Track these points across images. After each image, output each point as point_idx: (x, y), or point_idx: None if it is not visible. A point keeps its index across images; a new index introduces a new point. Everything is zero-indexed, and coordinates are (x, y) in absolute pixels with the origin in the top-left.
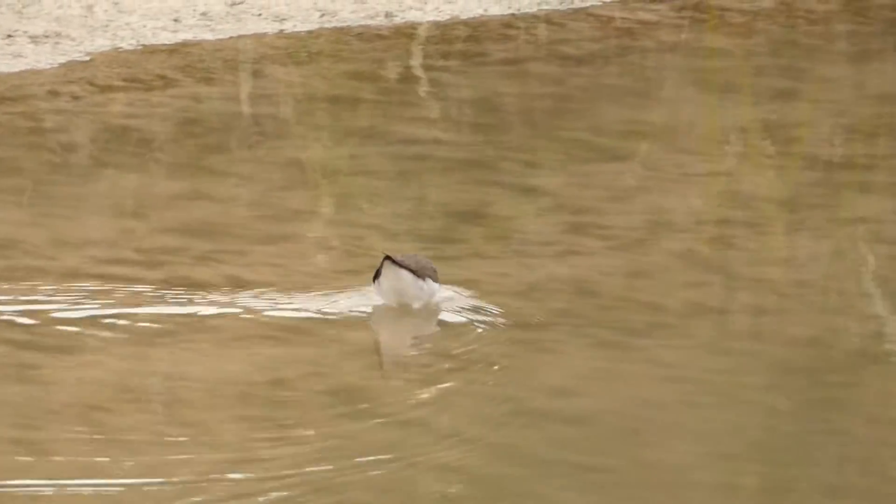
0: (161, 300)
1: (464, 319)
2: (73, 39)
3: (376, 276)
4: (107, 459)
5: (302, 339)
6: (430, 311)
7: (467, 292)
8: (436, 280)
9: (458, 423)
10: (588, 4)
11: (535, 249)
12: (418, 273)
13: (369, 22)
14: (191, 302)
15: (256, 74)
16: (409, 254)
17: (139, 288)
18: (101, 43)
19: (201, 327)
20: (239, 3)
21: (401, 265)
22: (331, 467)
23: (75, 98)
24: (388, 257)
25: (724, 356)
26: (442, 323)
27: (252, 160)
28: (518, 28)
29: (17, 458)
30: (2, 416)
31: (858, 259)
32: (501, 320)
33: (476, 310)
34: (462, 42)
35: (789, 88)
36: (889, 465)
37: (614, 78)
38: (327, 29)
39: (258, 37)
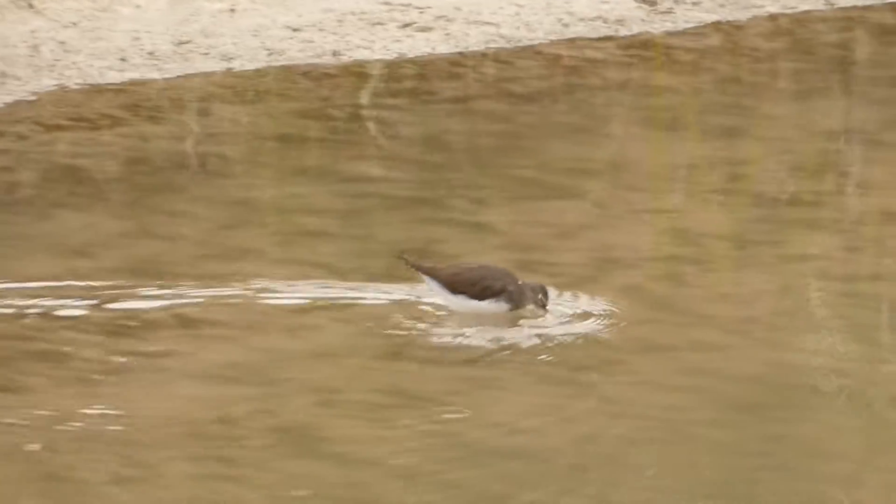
0: (107, 338)
1: (411, 356)
2: (18, 79)
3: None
4: (51, 501)
5: (250, 378)
6: (385, 347)
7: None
8: (479, 295)
9: (409, 462)
10: (535, 42)
11: None
12: (447, 285)
13: (317, 60)
14: (137, 340)
15: (204, 113)
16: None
17: (85, 326)
18: (48, 82)
19: (148, 366)
20: (186, 43)
21: (423, 271)
22: None
23: (21, 138)
24: (410, 264)
25: (671, 392)
26: (390, 360)
27: (199, 199)
28: (466, 66)
29: None
30: None
31: (805, 296)
32: (447, 357)
33: (423, 347)
34: (410, 80)
35: (735, 126)
36: (834, 500)
37: (562, 115)
38: (275, 67)
39: (205, 76)
